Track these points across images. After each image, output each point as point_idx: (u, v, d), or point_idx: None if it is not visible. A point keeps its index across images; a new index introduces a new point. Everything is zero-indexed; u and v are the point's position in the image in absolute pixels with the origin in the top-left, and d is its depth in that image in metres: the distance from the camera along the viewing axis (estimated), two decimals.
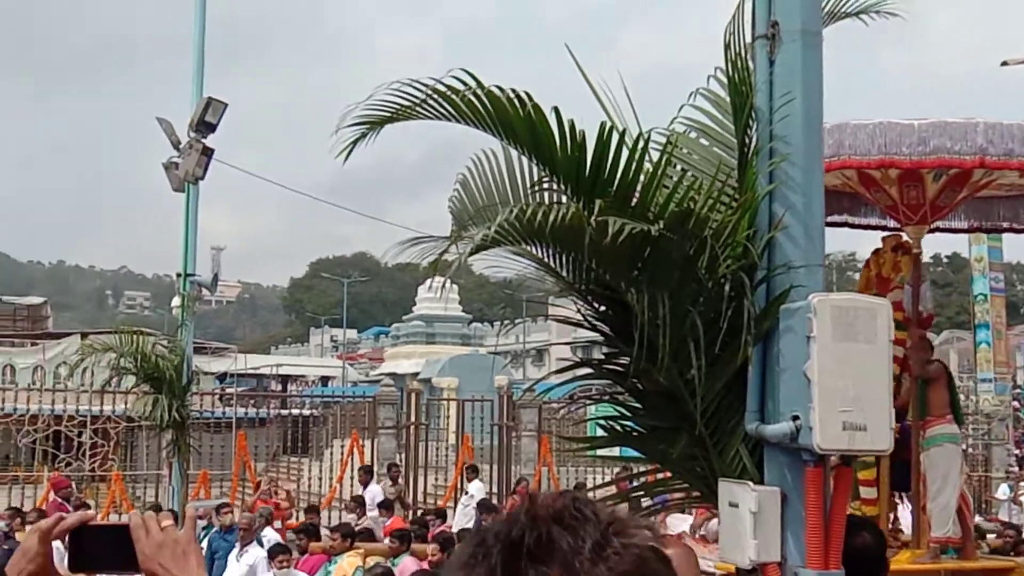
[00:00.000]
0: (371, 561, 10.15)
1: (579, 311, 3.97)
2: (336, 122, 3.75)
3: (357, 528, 11.96)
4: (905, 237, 7.47)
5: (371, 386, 35.17)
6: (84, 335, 32.58)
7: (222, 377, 38.18)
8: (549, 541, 0.97)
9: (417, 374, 36.26)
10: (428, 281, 49.02)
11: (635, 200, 3.51)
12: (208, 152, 14.14)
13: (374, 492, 15.83)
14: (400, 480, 17.62)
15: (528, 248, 3.84)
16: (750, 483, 3.47)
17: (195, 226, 14.89)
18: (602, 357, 4.07)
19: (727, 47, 3.57)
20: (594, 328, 3.91)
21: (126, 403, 18.30)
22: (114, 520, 1.98)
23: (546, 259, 3.89)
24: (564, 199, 3.64)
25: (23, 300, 55.07)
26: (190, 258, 14.94)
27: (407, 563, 10.01)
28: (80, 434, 20.86)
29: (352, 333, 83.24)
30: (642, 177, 3.49)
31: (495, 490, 19.87)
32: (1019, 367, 36.03)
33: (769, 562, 3.43)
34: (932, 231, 7.68)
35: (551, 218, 3.31)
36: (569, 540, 0.96)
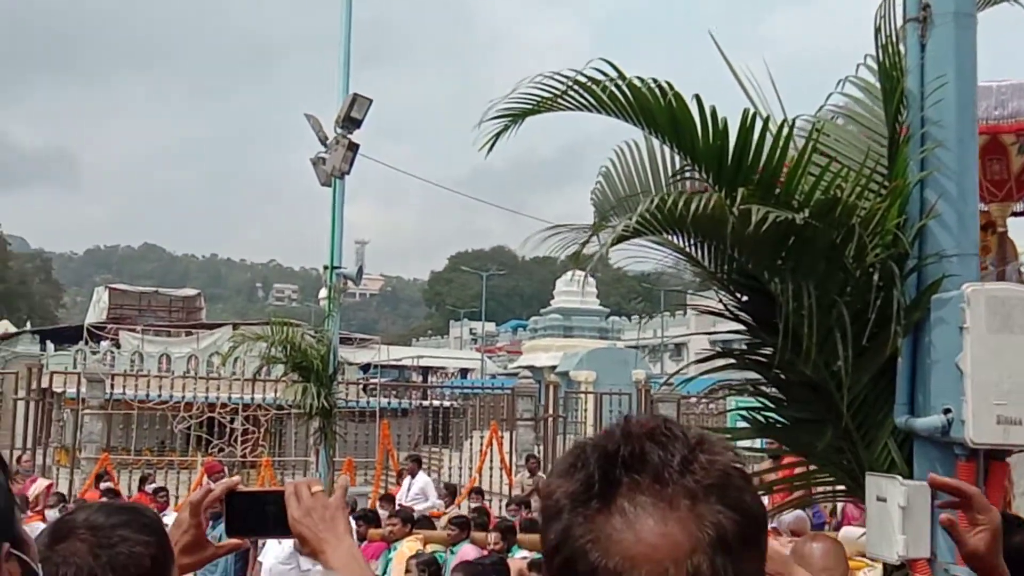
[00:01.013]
0: (430, 548, 10.06)
1: (720, 301, 3.94)
2: (478, 116, 3.82)
3: (417, 515, 11.79)
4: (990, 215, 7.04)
5: (509, 378, 35.47)
6: (236, 326, 33.87)
7: (365, 368, 39.13)
8: (642, 453, 1.06)
9: (555, 367, 36.46)
10: (567, 275, 49.16)
11: (779, 188, 3.46)
12: (354, 147, 14.51)
13: (423, 482, 16.06)
14: (538, 472, 17.75)
15: (669, 238, 3.83)
16: (899, 477, 3.38)
17: (341, 220, 15.31)
18: (744, 348, 4.03)
19: (877, 31, 3.49)
20: (736, 318, 3.87)
21: (276, 391, 18.99)
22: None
23: (687, 249, 3.87)
24: (706, 188, 3.62)
25: (178, 292, 57.61)
26: (336, 251, 15.36)
27: (466, 550, 9.79)
28: (232, 421, 21.72)
29: (491, 326, 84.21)
30: (786, 165, 3.44)
31: None
32: None
33: (918, 558, 3.34)
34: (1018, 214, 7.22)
35: (693, 207, 3.29)
36: (660, 453, 1.06)
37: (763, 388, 3.95)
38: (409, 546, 10.39)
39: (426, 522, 11.68)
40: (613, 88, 3.50)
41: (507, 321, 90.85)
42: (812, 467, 4.00)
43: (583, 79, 3.52)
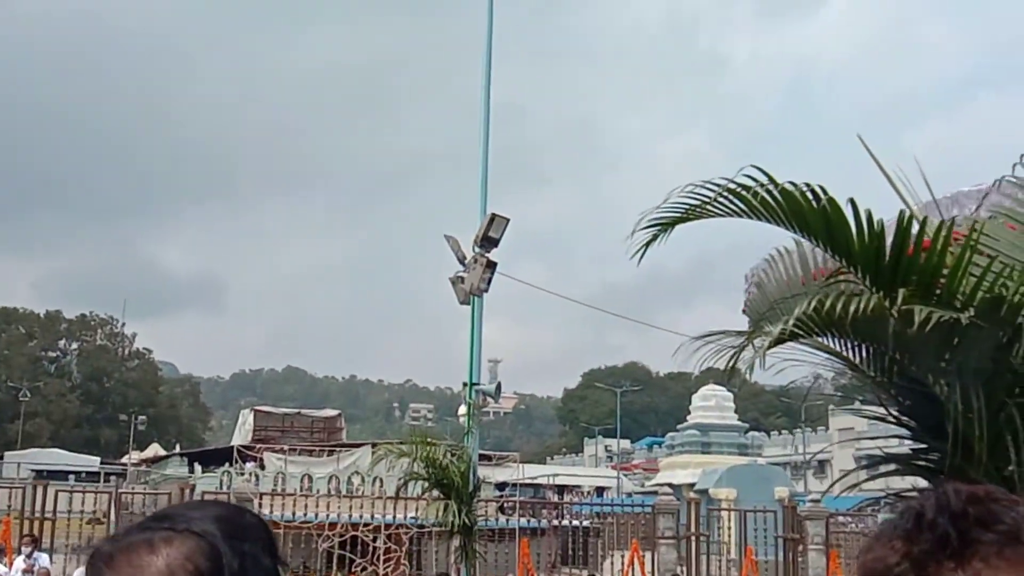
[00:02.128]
0: None
1: (883, 406, 3.86)
2: (607, 234, 3.91)
3: None
4: None
5: (646, 496, 34.81)
6: (375, 445, 34.34)
7: (502, 486, 38.99)
8: (994, 513, 1.03)
9: (693, 484, 35.63)
10: (703, 389, 48.39)
11: (939, 289, 3.42)
12: (492, 265, 14.81)
13: None
14: None
15: (824, 342, 3.81)
16: None
17: (480, 337, 15.54)
18: (908, 454, 3.92)
19: None
20: (900, 423, 3.79)
21: (416, 510, 19.08)
22: None
23: (844, 352, 3.84)
24: (861, 291, 3.59)
25: (319, 413, 58.81)
26: (475, 367, 15.56)
27: None
28: (375, 539, 21.88)
29: (625, 443, 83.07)
30: (946, 265, 3.40)
31: None
32: None
33: None
34: None
35: (851, 308, 3.28)
36: (1012, 514, 1.03)
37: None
38: None
39: None
40: (764, 194, 3.55)
41: (642, 438, 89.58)
42: None
43: (734, 186, 3.59)
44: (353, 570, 21.36)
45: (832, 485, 6.25)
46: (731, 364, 3.78)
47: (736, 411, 49.01)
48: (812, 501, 20.73)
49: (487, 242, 15.02)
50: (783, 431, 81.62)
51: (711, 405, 46.30)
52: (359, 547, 22.20)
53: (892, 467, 4.32)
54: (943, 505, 1.05)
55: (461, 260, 15.34)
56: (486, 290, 15.15)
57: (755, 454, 47.36)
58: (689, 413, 49.48)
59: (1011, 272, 3.38)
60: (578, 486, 55.11)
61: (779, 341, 3.47)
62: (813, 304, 3.35)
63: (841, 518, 22.91)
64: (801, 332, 3.50)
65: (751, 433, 53.06)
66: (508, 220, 14.99)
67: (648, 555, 19.52)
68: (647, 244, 3.97)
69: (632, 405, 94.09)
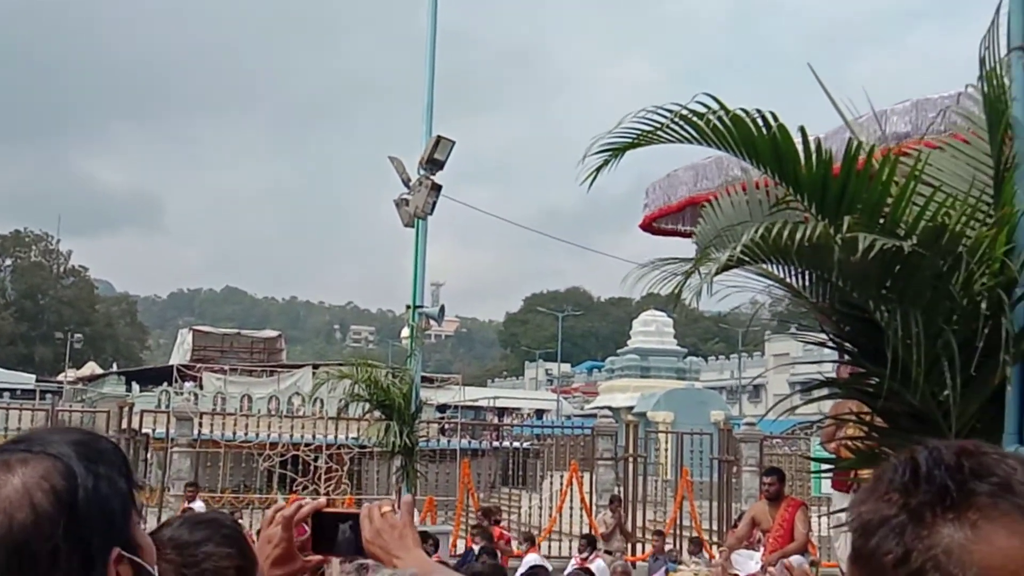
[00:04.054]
0: None
1: (823, 331, 3.95)
2: (550, 159, 3.91)
3: None
4: None
5: (585, 419, 35.33)
6: (316, 367, 34.35)
7: (442, 408, 39.31)
8: (988, 466, 1.05)
9: (632, 408, 36.19)
10: (643, 315, 48.89)
11: (883, 218, 3.48)
12: (437, 188, 14.73)
13: None
14: (619, 510, 17.66)
15: (769, 268, 3.86)
16: None
17: (424, 260, 15.52)
18: (847, 377, 4.03)
19: (982, 61, 3.51)
20: (840, 348, 3.88)
21: (358, 431, 19.20)
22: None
23: (788, 279, 3.90)
24: (806, 219, 3.64)
25: (260, 334, 58.59)
26: (419, 290, 15.56)
27: None
28: (316, 459, 22.01)
29: (566, 367, 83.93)
30: (890, 195, 3.46)
31: (715, 527, 19.60)
32: None
33: None
34: None
35: (798, 236, 3.33)
36: (1004, 466, 1.05)
37: (867, 419, 3.94)
38: None
39: None
40: (716, 120, 3.57)
41: (582, 362, 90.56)
42: None
43: (686, 112, 3.60)
44: (294, 489, 21.50)
45: (769, 410, 6.39)
46: (677, 290, 3.82)
47: (675, 336, 49.64)
48: (747, 424, 21.18)
49: (432, 164, 14.90)
50: (720, 356, 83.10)
51: (651, 330, 46.79)
52: (300, 467, 22.34)
53: (826, 391, 4.44)
54: (938, 458, 1.07)
55: (406, 182, 15.22)
56: (431, 213, 15.08)
57: (693, 379, 48.07)
58: (629, 338, 50.01)
59: (953, 202, 3.45)
60: (518, 409, 55.75)
61: (726, 267, 3.52)
62: (760, 231, 3.39)
63: (775, 441, 23.49)
64: (748, 259, 3.55)
65: (689, 358, 53.77)
66: (454, 143, 14.88)
67: (587, 476, 19.87)
68: (598, 169, 3.98)
69: (573, 330, 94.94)
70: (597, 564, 14.19)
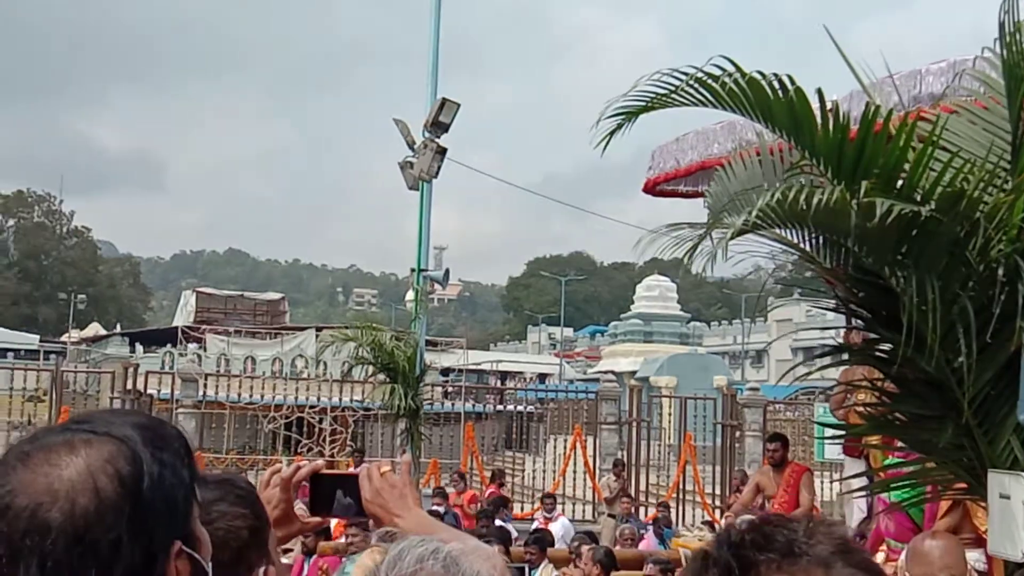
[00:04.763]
0: None
1: (837, 296, 3.93)
2: (553, 124, 3.87)
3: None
4: None
5: (588, 383, 35.43)
6: (319, 329, 34.38)
7: (446, 372, 39.40)
8: (768, 535, 1.14)
9: (635, 372, 36.29)
10: (648, 279, 48.88)
11: (900, 183, 3.45)
12: (442, 151, 14.64)
13: None
14: (623, 474, 17.73)
15: (784, 234, 3.83)
16: (1023, 474, 3.35)
17: (428, 223, 15.47)
18: (862, 344, 4.01)
19: (1001, 26, 3.46)
20: (854, 313, 3.86)
21: (363, 393, 19.26)
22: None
23: (803, 245, 3.87)
24: (822, 183, 3.61)
25: (263, 296, 58.65)
26: (424, 253, 15.52)
27: None
28: (321, 421, 22.09)
29: (568, 331, 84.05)
30: (908, 159, 3.42)
31: (718, 491, 19.68)
32: None
33: None
34: None
35: (815, 200, 3.29)
36: (784, 532, 1.14)
37: (881, 385, 3.93)
38: (371, 558, 9.72)
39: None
40: (732, 84, 3.53)
41: (585, 327, 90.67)
42: (930, 464, 3.96)
43: (702, 75, 3.56)
44: (299, 451, 21.60)
45: (783, 376, 6.40)
46: (690, 255, 3.79)
47: (678, 302, 49.69)
48: (751, 389, 21.23)
49: (437, 127, 14.80)
50: (723, 322, 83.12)
51: (655, 295, 46.92)
52: (304, 429, 22.42)
53: (838, 357, 4.43)
54: (723, 539, 1.18)
55: (410, 145, 15.12)
56: (435, 175, 15.00)
57: (695, 344, 48.27)
58: (632, 303, 50.08)
59: (971, 168, 3.41)
60: (521, 373, 55.88)
61: (741, 232, 3.49)
62: (777, 196, 3.36)
63: (778, 406, 23.55)
64: (763, 224, 3.52)
65: (692, 323, 53.90)
66: (459, 105, 14.77)
67: (590, 440, 19.94)
68: (611, 133, 3.94)
69: (576, 294, 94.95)
70: (561, 523, 14.33)
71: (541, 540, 9.86)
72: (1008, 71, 3.50)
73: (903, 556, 3.76)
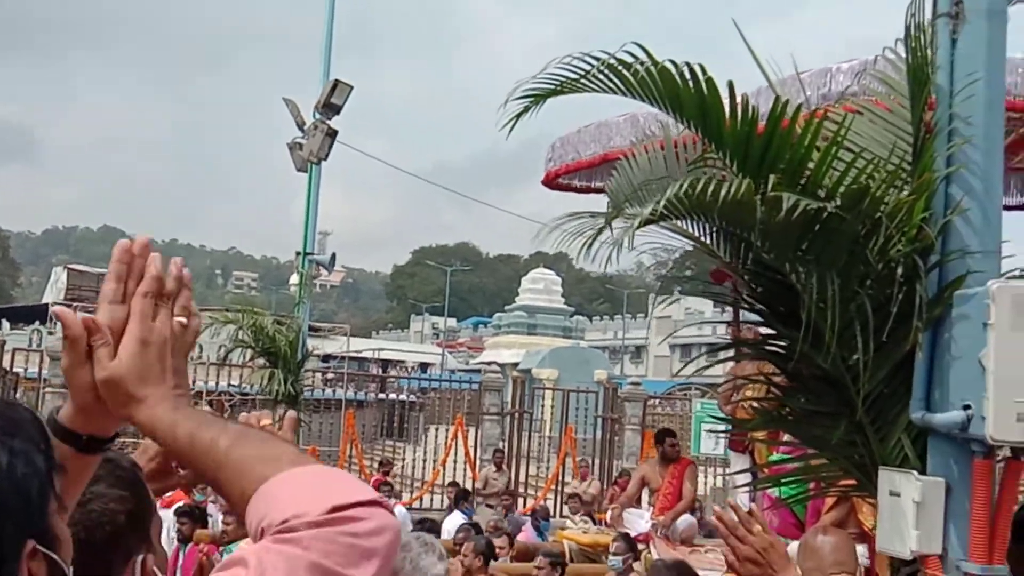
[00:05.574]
0: None
1: (735, 291, 3.92)
2: (442, 112, 3.77)
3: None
4: None
5: (470, 374, 35.44)
6: None
7: (326, 358, 38.86)
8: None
9: (517, 364, 36.43)
10: (532, 272, 49.13)
11: (804, 179, 3.44)
12: (332, 133, 14.40)
13: None
14: (503, 467, 17.75)
15: (684, 226, 3.81)
16: (914, 472, 3.38)
17: (316, 206, 15.20)
18: (759, 339, 4.02)
19: (907, 27, 3.48)
20: (752, 308, 3.86)
21: (240, 377, 18.82)
22: None
23: (703, 237, 3.85)
24: (724, 176, 3.59)
25: None
26: (310, 237, 15.25)
27: None
28: (196, 404, 21.48)
29: (452, 321, 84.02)
30: (813, 157, 3.43)
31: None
32: None
33: (930, 554, 3.34)
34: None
35: (722, 192, 3.27)
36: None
37: (775, 379, 3.94)
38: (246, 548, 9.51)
39: None
40: (643, 72, 3.47)
41: (469, 317, 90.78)
42: (821, 461, 3.99)
43: (613, 62, 3.49)
44: None
45: (682, 369, 6.43)
46: (589, 245, 3.73)
47: (563, 295, 50.10)
48: (632, 384, 21.49)
49: (328, 108, 14.56)
50: (605, 316, 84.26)
51: (540, 288, 47.21)
52: None
53: (722, 354, 4.43)
54: None
55: (300, 126, 14.84)
56: (325, 158, 14.75)
57: (578, 337, 48.75)
58: (517, 295, 50.27)
59: (875, 167, 3.43)
60: (402, 361, 55.57)
61: (647, 222, 3.44)
62: (684, 187, 3.32)
63: (656, 401, 23.94)
64: (669, 214, 3.48)
65: (575, 317, 54.39)
66: (352, 87, 14.55)
67: (472, 430, 19.89)
68: (518, 116, 3.85)
69: (461, 284, 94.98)
70: (396, 511, 14.23)
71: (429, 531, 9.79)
72: (912, 74, 3.53)
73: (793, 551, 3.78)
